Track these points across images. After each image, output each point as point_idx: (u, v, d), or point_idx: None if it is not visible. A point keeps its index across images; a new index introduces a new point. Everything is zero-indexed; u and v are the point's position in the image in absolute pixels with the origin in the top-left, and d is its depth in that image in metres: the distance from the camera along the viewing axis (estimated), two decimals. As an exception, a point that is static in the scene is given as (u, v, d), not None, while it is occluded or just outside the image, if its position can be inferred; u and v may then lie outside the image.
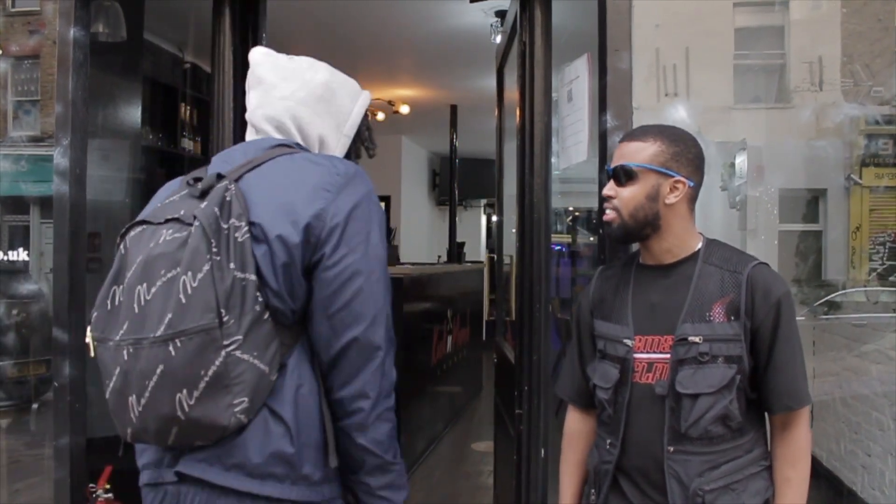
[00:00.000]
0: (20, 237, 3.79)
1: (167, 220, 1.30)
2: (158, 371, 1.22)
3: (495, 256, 3.72)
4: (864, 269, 2.87)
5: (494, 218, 15.83)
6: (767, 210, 2.62)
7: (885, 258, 2.78)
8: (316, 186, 1.33)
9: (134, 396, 1.24)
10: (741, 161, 2.70)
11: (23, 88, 3.67)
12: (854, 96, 2.40)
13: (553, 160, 2.53)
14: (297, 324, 1.34)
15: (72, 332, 2.29)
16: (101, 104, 3.40)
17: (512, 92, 3.57)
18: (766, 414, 1.65)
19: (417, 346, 5.32)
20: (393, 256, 6.54)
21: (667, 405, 1.58)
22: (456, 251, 9.25)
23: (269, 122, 1.48)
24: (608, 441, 1.69)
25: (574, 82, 2.29)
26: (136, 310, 1.26)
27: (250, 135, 1.52)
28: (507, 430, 3.14)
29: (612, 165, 1.67)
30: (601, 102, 2.03)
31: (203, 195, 1.31)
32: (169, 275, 1.24)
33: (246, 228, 1.28)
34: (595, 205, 2.00)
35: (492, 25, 4.72)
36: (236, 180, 1.34)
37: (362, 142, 1.60)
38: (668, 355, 1.59)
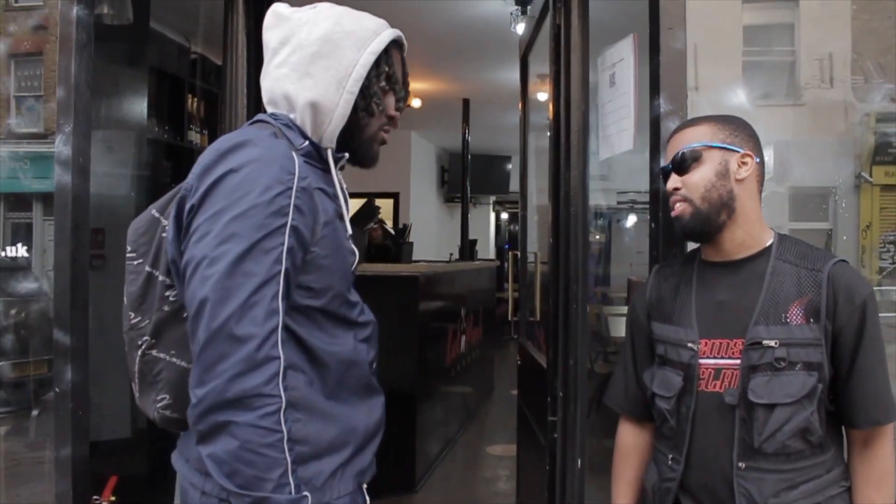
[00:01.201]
0: (22, 235, 3.65)
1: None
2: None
3: (518, 254, 3.56)
4: (874, 268, 2.83)
5: (504, 215, 15.73)
6: (779, 208, 2.55)
7: (895, 257, 2.70)
8: (194, 170, 1.26)
9: None
10: (767, 157, 2.59)
11: (26, 84, 3.54)
12: (864, 93, 2.35)
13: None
14: None
15: (74, 334, 2.12)
16: (105, 94, 3.28)
17: (535, 83, 3.42)
18: (843, 428, 1.49)
19: (433, 345, 5.16)
20: (407, 254, 6.37)
21: (737, 416, 1.42)
22: (468, 248, 9.10)
23: (264, 95, 1.38)
24: (670, 456, 1.52)
25: (617, 65, 2.12)
26: None
27: None
28: (532, 435, 2.98)
29: (669, 159, 1.51)
30: (653, 85, 1.86)
31: None
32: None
33: (167, 224, 1.30)
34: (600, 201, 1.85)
35: (511, 14, 4.54)
36: None
37: (373, 97, 1.36)
38: (739, 361, 1.42)
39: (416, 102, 7.32)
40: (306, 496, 1.14)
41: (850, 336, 1.40)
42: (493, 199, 13.80)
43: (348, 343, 1.33)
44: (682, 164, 1.49)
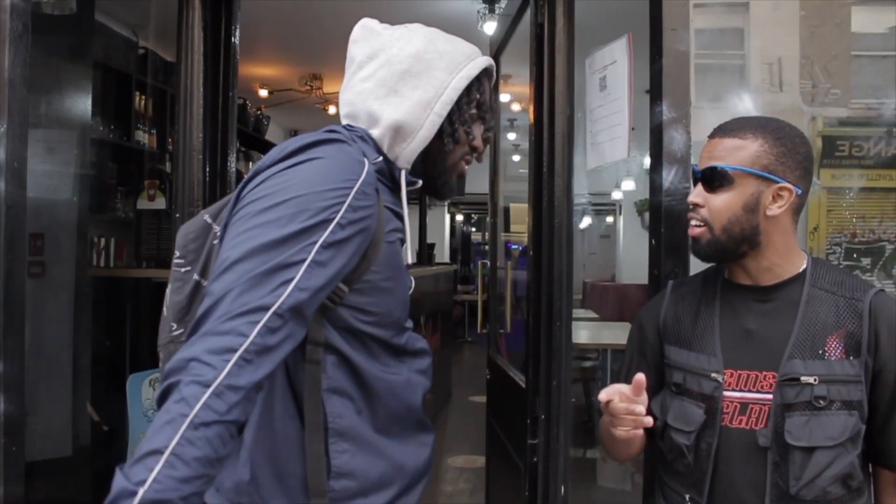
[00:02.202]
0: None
1: None
2: None
3: (488, 262, 3.42)
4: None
5: (459, 217, 15.62)
6: None
7: (841, 258, 2.70)
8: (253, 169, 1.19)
9: None
10: None
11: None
12: (812, 97, 2.32)
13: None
14: None
15: (8, 361, 1.89)
16: (45, 91, 3.05)
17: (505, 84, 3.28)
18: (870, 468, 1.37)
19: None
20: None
21: (769, 459, 1.28)
22: (426, 253, 8.95)
23: (343, 107, 1.30)
24: (687, 496, 1.38)
25: (609, 68, 1.98)
26: None
27: None
28: (507, 456, 2.84)
29: (702, 166, 1.35)
30: (654, 91, 1.73)
31: None
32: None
33: (219, 231, 1.22)
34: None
35: (479, 12, 4.40)
36: None
37: (461, 123, 1.27)
38: (770, 396, 1.29)
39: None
40: (136, 493, 0.84)
41: (891, 374, 1.28)
42: (448, 202, 13.69)
43: (402, 374, 1.23)
44: (712, 182, 1.34)
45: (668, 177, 1.68)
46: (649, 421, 1.27)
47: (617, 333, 6.02)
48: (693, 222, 1.37)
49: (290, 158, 1.11)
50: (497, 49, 3.26)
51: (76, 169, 3.27)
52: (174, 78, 4.67)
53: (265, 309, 0.97)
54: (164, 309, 1.28)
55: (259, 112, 7.28)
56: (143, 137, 4.55)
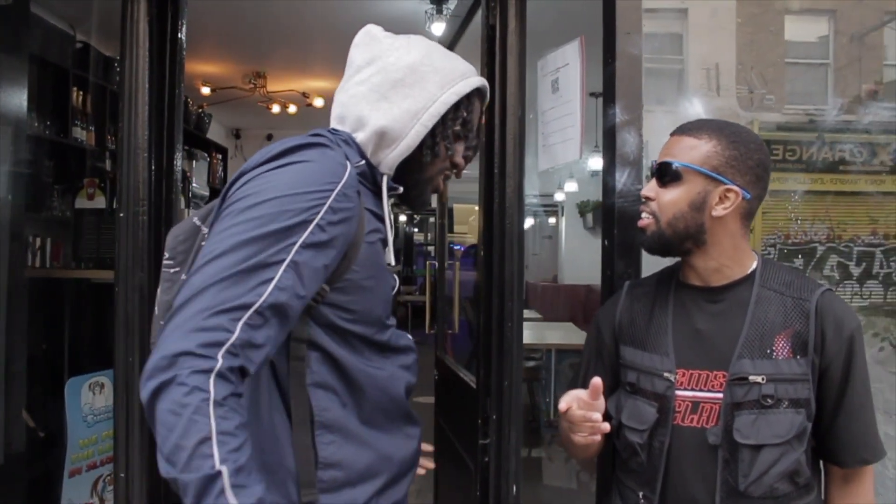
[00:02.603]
0: None
1: None
2: None
3: (437, 263, 3.42)
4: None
5: (402, 217, 15.55)
6: None
7: (775, 259, 2.77)
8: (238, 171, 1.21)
9: None
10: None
11: None
12: (748, 103, 2.39)
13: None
14: None
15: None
16: (-24, 84, 2.91)
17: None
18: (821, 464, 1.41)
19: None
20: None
21: (720, 457, 1.31)
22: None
23: (336, 108, 1.33)
24: (640, 493, 1.40)
25: (561, 70, 2.00)
26: None
27: None
28: (457, 457, 2.84)
29: (661, 156, 1.38)
30: (608, 93, 1.75)
31: None
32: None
33: (207, 232, 1.23)
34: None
35: (426, 13, 4.39)
36: None
37: (443, 138, 1.30)
38: (720, 395, 1.32)
39: (318, 102, 7.05)
40: (220, 472, 0.92)
41: (837, 371, 1.32)
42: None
43: (386, 369, 1.27)
44: (662, 177, 1.38)
45: (622, 179, 1.71)
46: (606, 427, 1.30)
47: (560, 334, 6.08)
48: (643, 214, 1.41)
49: (273, 161, 1.14)
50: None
51: (10, 166, 3.15)
52: (114, 73, 4.57)
53: (247, 307, 1.00)
54: (156, 307, 1.30)
55: (200, 110, 7.14)
56: (81, 134, 4.41)
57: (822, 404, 1.33)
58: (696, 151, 1.35)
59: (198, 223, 1.30)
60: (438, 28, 4.28)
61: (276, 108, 7.13)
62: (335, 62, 6.49)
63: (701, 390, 1.35)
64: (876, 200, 2.48)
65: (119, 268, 2.18)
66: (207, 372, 0.94)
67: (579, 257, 10.86)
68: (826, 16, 2.74)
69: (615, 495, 1.50)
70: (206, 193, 6.58)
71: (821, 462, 1.40)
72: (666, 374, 1.37)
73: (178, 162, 2.40)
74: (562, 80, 2.01)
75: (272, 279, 1.03)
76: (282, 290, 1.04)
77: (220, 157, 7.97)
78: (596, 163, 6.88)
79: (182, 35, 2.43)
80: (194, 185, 6.23)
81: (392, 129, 1.26)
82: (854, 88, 2.58)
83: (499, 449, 2.26)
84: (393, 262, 1.31)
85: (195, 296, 0.99)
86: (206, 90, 6.67)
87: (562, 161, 2.00)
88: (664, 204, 1.37)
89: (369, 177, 1.28)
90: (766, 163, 1.38)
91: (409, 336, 1.36)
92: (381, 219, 1.28)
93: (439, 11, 4.31)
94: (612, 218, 1.72)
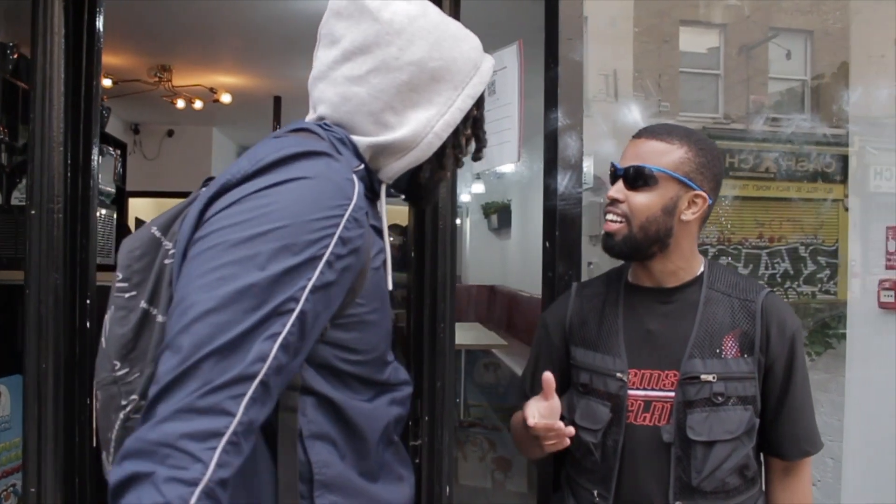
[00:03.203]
0: None
1: None
2: None
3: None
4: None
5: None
6: (598, 218, 2.58)
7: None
8: (218, 179, 0.98)
9: None
10: (587, 166, 2.66)
11: None
12: (645, 109, 2.47)
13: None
14: None
15: None
16: None
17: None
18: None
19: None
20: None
21: (672, 454, 1.35)
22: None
23: (320, 104, 1.11)
24: (595, 492, 1.43)
25: (499, 73, 2.01)
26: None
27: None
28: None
29: (625, 164, 1.40)
30: (549, 98, 1.77)
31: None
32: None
33: (171, 248, 1.02)
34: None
35: (345, 11, 4.32)
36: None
37: (454, 147, 1.15)
38: (672, 394, 1.36)
39: (226, 98, 6.86)
40: None
41: (781, 369, 1.38)
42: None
43: (381, 407, 1.08)
44: (635, 180, 1.39)
45: (563, 181, 1.73)
46: (571, 431, 1.31)
47: (467, 334, 6.13)
48: (610, 217, 1.41)
49: (267, 174, 0.92)
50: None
51: None
52: (9, 62, 4.28)
53: (250, 378, 0.82)
54: (103, 340, 1.07)
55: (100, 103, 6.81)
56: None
57: (767, 400, 1.40)
58: (668, 157, 1.38)
59: (157, 234, 1.07)
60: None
61: (181, 104, 6.89)
62: (242, 57, 6.33)
63: (653, 389, 1.38)
64: (762, 205, 2.61)
65: (30, 268, 2.05)
66: (191, 485, 0.75)
67: (483, 258, 10.98)
68: (717, 29, 2.88)
69: (567, 494, 1.52)
70: (112, 190, 6.29)
71: (761, 455, 1.47)
72: (619, 375, 1.40)
73: (96, 157, 2.29)
74: (499, 83, 2.03)
75: (277, 336, 0.85)
76: (287, 347, 0.86)
77: (118, 152, 7.62)
78: (506, 166, 6.98)
79: (100, 24, 2.32)
80: (100, 182, 5.94)
81: (399, 141, 1.08)
82: (742, 99, 2.73)
83: (431, 450, 2.26)
84: (391, 287, 1.10)
85: (186, 366, 0.80)
86: (107, 82, 6.38)
87: (498, 163, 2.01)
88: (637, 207, 1.38)
89: (367, 182, 1.09)
90: (723, 172, 1.44)
91: (405, 370, 1.18)
92: (379, 232, 1.09)
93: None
94: (554, 220, 1.75)
